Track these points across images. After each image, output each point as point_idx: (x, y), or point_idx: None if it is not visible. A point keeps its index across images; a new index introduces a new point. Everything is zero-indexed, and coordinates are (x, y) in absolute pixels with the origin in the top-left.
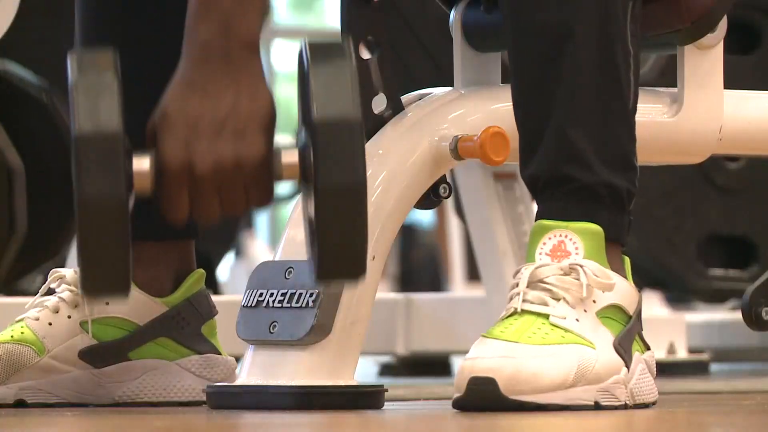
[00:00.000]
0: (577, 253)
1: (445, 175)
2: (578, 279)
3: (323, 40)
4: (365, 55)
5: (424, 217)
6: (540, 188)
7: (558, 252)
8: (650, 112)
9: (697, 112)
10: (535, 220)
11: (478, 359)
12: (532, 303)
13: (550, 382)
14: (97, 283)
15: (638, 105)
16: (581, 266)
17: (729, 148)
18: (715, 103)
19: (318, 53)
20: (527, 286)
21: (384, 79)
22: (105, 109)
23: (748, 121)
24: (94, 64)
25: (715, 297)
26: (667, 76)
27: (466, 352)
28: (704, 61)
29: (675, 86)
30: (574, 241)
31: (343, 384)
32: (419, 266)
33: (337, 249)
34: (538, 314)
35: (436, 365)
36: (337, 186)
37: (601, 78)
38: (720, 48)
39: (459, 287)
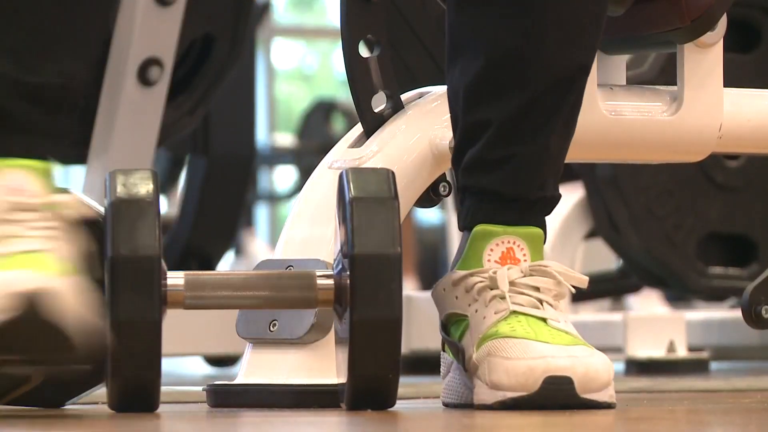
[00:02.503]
0: (525, 260)
1: (445, 173)
2: (553, 279)
3: (366, 169)
4: (365, 53)
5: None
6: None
7: (508, 260)
8: (650, 110)
9: (697, 110)
10: (470, 221)
11: (549, 358)
12: (522, 306)
13: (607, 380)
14: (126, 401)
15: (639, 103)
16: (546, 266)
17: (729, 146)
18: (714, 101)
19: (360, 182)
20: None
21: (384, 78)
22: (143, 232)
23: (747, 120)
24: (134, 184)
25: (715, 295)
26: (667, 75)
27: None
28: (704, 60)
29: (675, 84)
30: (522, 248)
31: (342, 382)
32: (421, 264)
33: (369, 380)
34: (536, 317)
35: (435, 364)
36: (372, 320)
37: (575, 107)
38: (720, 46)
39: None
